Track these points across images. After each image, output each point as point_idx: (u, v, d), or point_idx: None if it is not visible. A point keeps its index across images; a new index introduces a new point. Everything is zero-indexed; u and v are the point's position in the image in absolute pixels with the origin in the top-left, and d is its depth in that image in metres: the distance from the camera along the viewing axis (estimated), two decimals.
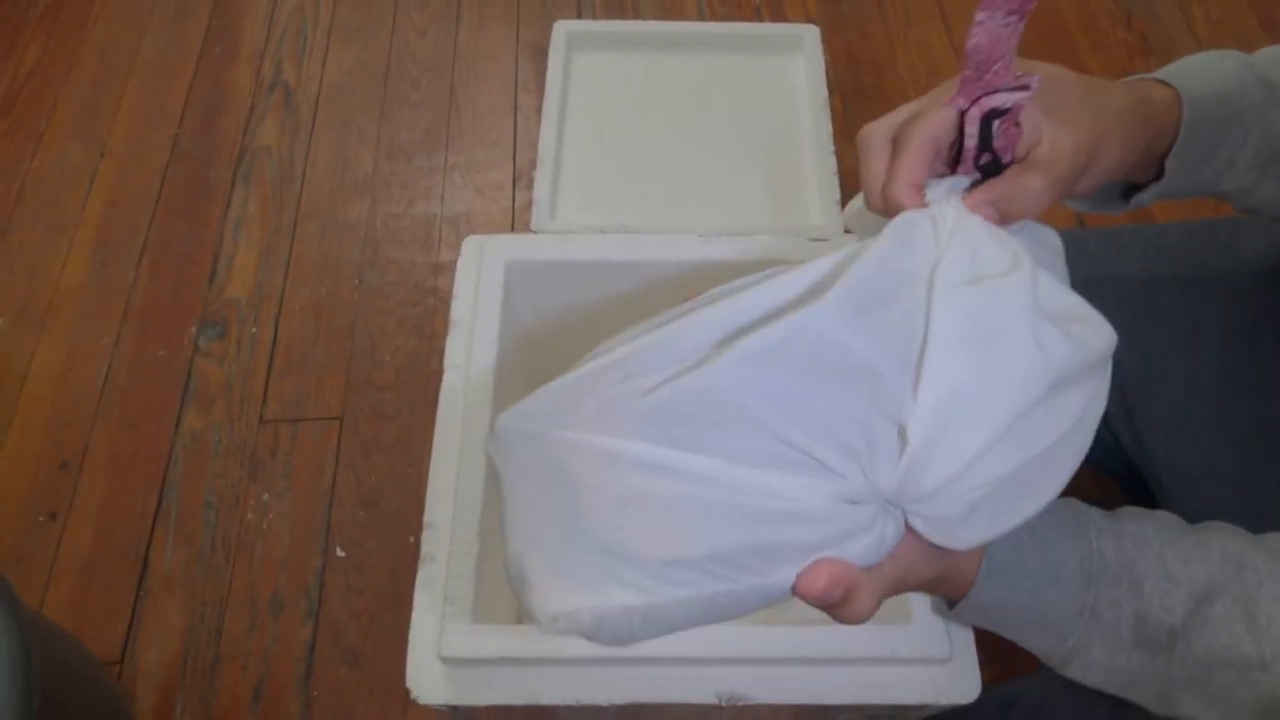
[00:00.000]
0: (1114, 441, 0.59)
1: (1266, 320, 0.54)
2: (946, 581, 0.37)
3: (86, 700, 0.62)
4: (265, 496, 0.84)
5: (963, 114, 0.35)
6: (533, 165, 1.04)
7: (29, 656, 0.49)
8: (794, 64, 0.84)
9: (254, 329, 0.94)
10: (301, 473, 0.85)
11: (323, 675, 0.75)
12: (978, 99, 0.34)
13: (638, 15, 1.17)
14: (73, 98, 1.13)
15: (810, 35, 0.81)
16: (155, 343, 0.94)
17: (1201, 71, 0.43)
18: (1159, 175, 0.42)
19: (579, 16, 1.17)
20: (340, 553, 0.81)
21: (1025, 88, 0.34)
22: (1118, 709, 0.48)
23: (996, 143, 0.35)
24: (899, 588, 0.34)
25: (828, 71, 0.74)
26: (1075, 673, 0.39)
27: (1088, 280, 0.59)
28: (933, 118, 0.36)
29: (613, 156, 0.91)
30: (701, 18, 1.16)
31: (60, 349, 0.93)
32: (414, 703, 0.46)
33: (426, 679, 0.45)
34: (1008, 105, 0.34)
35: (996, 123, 0.35)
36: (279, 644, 0.76)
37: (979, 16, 0.32)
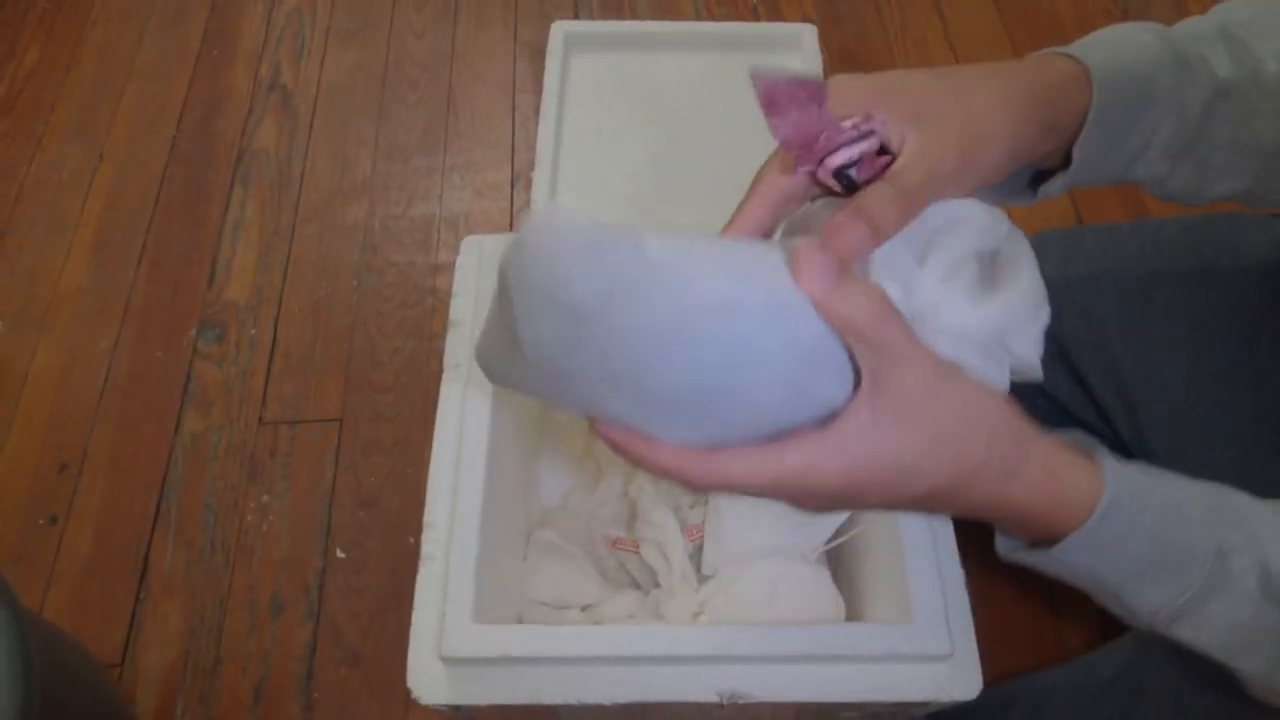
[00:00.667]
0: (1115, 438, 0.59)
1: (1265, 317, 0.54)
2: (1049, 509, 0.33)
3: (87, 703, 0.62)
4: (265, 498, 0.84)
5: (813, 175, 0.34)
6: (531, 166, 1.04)
7: (29, 659, 0.49)
8: (791, 63, 0.84)
9: (253, 331, 0.94)
10: (301, 474, 0.85)
11: (323, 676, 0.75)
12: (820, 162, 0.33)
13: (634, 15, 1.17)
14: (71, 100, 1.13)
15: (808, 34, 0.81)
16: (154, 345, 0.94)
17: (1116, 46, 0.39)
18: (1067, 162, 0.39)
19: (576, 17, 1.17)
20: (340, 554, 0.80)
21: (868, 134, 0.33)
22: (1122, 703, 0.49)
23: (865, 180, 0.34)
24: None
25: (825, 71, 0.74)
26: (1184, 632, 0.35)
27: (1085, 277, 0.59)
28: (775, 183, 0.35)
29: (610, 156, 0.91)
30: (699, 17, 1.16)
31: (60, 351, 0.93)
32: (414, 703, 0.45)
33: (427, 679, 0.45)
34: (855, 158, 0.33)
35: (853, 170, 0.33)
36: (279, 645, 0.76)
37: (769, 121, 0.31)
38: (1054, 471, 0.33)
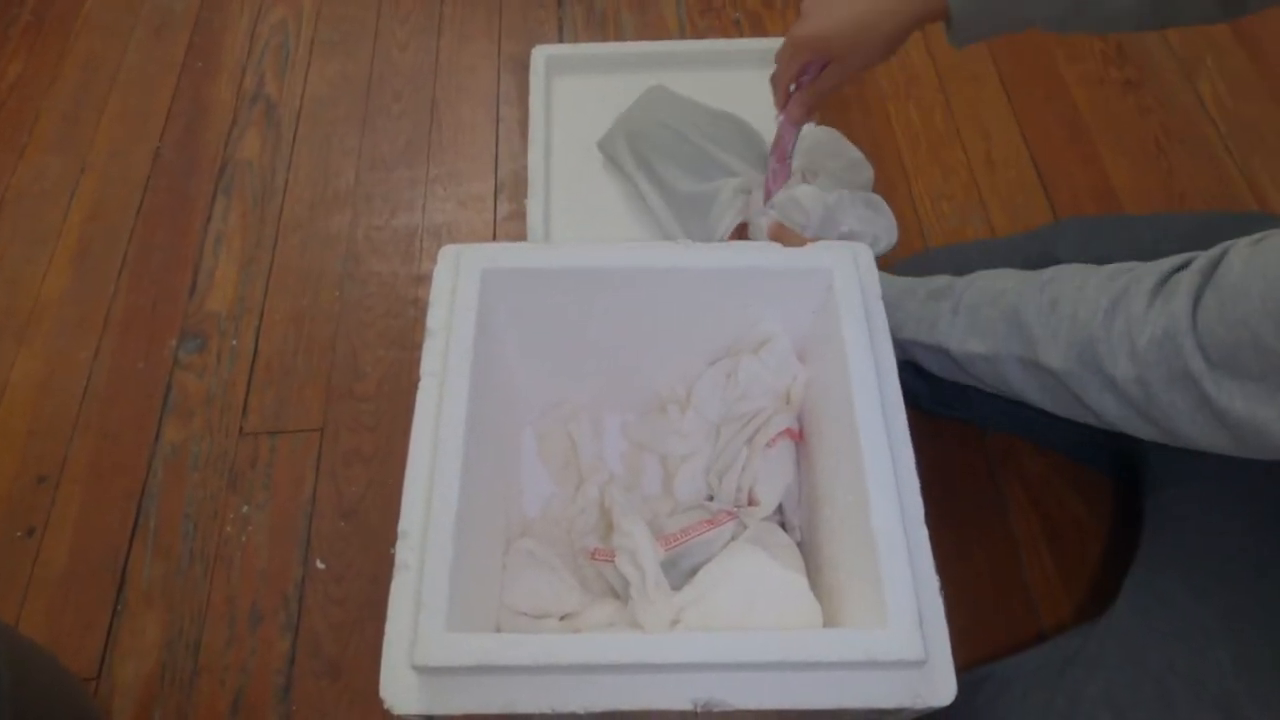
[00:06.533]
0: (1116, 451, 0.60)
1: None
2: None
3: (62, 717, 0.61)
4: (245, 508, 0.83)
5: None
6: (514, 177, 1.04)
7: (0, 674, 0.49)
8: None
9: (234, 341, 0.94)
10: (281, 484, 0.85)
11: (302, 687, 0.74)
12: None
13: (619, 32, 1.17)
14: (54, 111, 1.13)
15: None
16: (135, 355, 0.93)
17: None
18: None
19: (559, 33, 1.18)
20: (320, 564, 0.80)
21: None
22: (1089, 669, 0.50)
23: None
24: None
25: None
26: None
27: (1099, 259, 0.59)
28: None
29: (600, 176, 0.91)
30: (682, 33, 1.17)
31: (40, 361, 0.93)
32: (393, 715, 0.45)
33: (400, 688, 0.45)
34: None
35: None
36: (258, 656, 0.76)
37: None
38: None
